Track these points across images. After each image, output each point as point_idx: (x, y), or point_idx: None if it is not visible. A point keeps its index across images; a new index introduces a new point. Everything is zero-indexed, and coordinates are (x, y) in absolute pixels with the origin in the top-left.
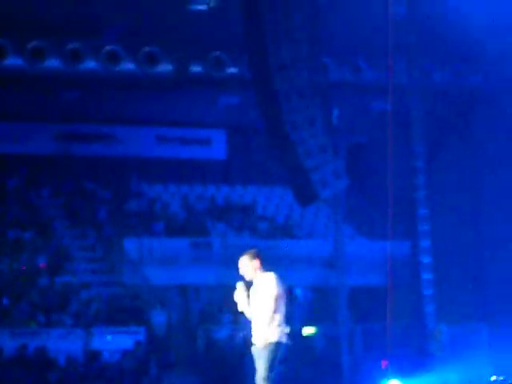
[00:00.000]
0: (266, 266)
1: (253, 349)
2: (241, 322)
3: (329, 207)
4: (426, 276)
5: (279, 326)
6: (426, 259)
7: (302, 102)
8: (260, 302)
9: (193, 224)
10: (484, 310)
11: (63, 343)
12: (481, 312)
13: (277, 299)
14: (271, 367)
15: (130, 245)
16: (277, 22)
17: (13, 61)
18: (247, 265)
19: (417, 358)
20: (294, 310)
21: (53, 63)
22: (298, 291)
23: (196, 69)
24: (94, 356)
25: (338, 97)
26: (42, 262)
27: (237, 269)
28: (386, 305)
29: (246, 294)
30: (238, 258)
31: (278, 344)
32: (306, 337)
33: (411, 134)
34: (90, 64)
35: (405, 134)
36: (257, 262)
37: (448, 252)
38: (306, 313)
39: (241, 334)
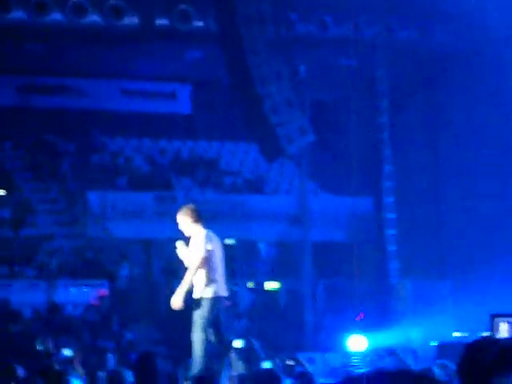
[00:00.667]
0: (223, 220)
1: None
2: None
3: (293, 163)
4: (390, 232)
5: (213, 281)
6: (390, 215)
7: (269, 57)
8: (191, 258)
9: (157, 178)
10: (448, 266)
11: (26, 295)
12: (444, 268)
13: (207, 256)
14: (205, 324)
15: (94, 198)
16: None
17: None
18: (182, 221)
19: (380, 314)
20: (257, 266)
21: (17, 14)
22: (262, 246)
23: (162, 22)
24: (56, 309)
25: (304, 52)
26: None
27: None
28: (350, 261)
29: (186, 251)
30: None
31: (211, 300)
32: (270, 292)
33: (377, 91)
34: (56, 16)
35: (370, 91)
36: (189, 219)
37: (411, 209)
38: (270, 268)
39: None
